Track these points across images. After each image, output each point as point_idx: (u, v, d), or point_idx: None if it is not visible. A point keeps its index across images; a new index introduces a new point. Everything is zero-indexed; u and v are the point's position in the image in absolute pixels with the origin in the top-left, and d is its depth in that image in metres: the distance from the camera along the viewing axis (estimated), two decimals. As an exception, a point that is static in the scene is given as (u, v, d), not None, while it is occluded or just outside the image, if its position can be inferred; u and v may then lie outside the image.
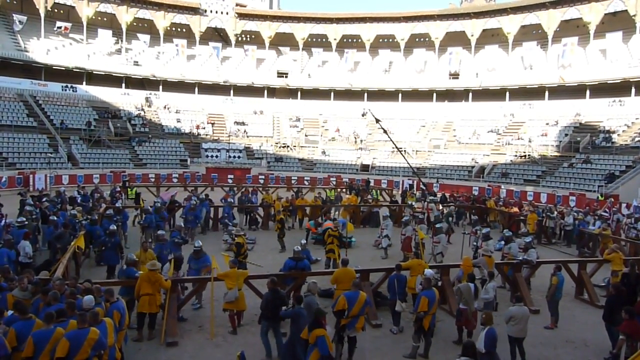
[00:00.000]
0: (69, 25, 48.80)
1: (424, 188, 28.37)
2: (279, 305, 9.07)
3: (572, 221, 20.95)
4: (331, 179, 40.18)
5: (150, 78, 50.55)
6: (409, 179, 38.90)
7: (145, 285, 9.73)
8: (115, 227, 14.95)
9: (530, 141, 41.35)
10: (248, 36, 57.34)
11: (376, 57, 55.79)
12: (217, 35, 56.94)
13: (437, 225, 16.41)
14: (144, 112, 48.14)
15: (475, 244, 16.27)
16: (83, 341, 6.61)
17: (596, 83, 41.77)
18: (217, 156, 44.89)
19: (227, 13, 54.33)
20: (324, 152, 47.30)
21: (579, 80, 42.94)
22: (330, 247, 15.03)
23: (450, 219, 21.90)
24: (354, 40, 56.10)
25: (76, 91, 46.56)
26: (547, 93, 45.10)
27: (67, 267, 11.56)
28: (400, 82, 52.10)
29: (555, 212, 22.27)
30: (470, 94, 49.51)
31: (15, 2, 48.33)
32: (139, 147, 43.33)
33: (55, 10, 49.14)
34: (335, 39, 54.73)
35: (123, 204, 21.87)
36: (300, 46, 55.40)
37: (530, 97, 46.41)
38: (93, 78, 47.95)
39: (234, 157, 45.41)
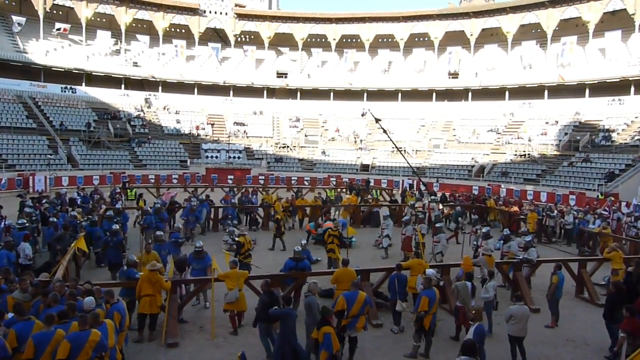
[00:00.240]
0: (67, 26, 48.76)
1: (424, 187, 28.35)
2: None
3: (572, 220, 20.97)
4: (331, 179, 40.18)
5: (150, 79, 50.56)
6: (409, 179, 38.90)
7: (146, 286, 9.74)
8: (118, 227, 15.02)
9: (530, 140, 41.35)
10: (247, 36, 57.34)
11: (375, 57, 55.79)
12: (216, 35, 56.94)
13: (437, 225, 16.42)
14: (144, 113, 48.15)
15: (475, 243, 16.26)
16: (84, 343, 6.60)
17: (595, 82, 41.77)
18: (217, 157, 44.89)
19: (226, 13, 54.34)
20: (323, 152, 47.30)
21: (579, 79, 42.94)
22: (331, 246, 15.03)
23: (459, 218, 21.93)
24: (353, 40, 56.09)
25: (75, 92, 46.57)
26: (546, 92, 45.10)
27: (67, 268, 11.56)
28: (399, 81, 52.11)
29: (556, 211, 22.28)
30: (470, 94, 49.52)
31: (14, 4, 48.35)
32: (138, 148, 43.34)
33: (54, 12, 49.16)
34: (334, 39, 54.73)
35: (123, 205, 21.86)
36: (300, 46, 55.40)
37: (530, 97, 46.41)
38: (92, 79, 47.94)
39: (234, 157, 45.40)
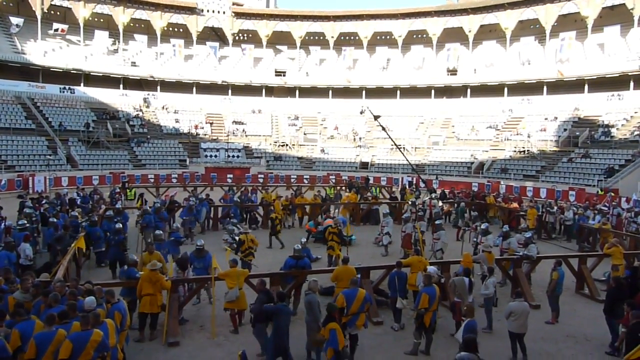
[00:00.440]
0: (65, 26, 48.69)
1: (424, 185, 28.38)
2: None
3: (572, 216, 20.96)
4: (330, 177, 40.17)
5: (148, 78, 50.51)
6: (408, 176, 38.89)
7: (147, 285, 9.74)
8: (120, 226, 15.08)
9: (529, 136, 41.34)
10: (245, 35, 57.25)
11: (374, 54, 55.77)
12: (214, 34, 56.88)
13: (437, 222, 16.43)
14: (142, 113, 48.12)
15: (475, 239, 16.26)
16: (86, 343, 6.62)
17: (595, 77, 41.77)
18: (216, 156, 44.89)
19: (223, 12, 54.26)
20: (323, 150, 47.30)
21: (578, 75, 42.93)
22: (331, 244, 15.06)
23: (465, 214, 21.93)
24: (352, 37, 56.07)
25: (74, 93, 46.52)
26: (545, 88, 45.07)
27: (68, 269, 11.56)
28: (398, 79, 52.08)
29: (555, 207, 22.28)
30: (469, 90, 49.50)
31: (11, 5, 48.24)
32: (137, 147, 43.32)
33: (52, 12, 49.10)
34: (332, 37, 54.69)
35: (123, 205, 21.86)
36: (298, 44, 55.34)
37: (529, 93, 46.37)
38: (91, 79, 47.87)
39: (233, 156, 45.40)
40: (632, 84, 39.63)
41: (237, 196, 24.69)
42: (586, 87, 42.48)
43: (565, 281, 11.79)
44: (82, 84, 47.19)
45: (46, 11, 47.25)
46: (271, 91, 55.16)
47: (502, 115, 46.40)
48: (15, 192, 28.07)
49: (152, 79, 50.48)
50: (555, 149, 39.50)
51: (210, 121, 50.02)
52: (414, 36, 54.17)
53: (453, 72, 51.16)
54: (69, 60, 46.29)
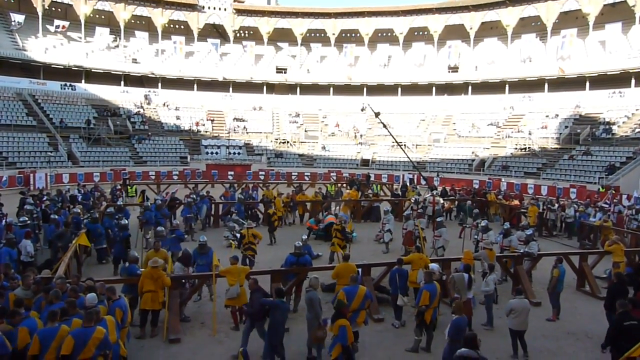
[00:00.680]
0: (66, 23, 48.65)
1: (425, 182, 28.35)
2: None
3: (573, 213, 20.97)
4: (331, 174, 40.16)
5: (149, 75, 50.49)
6: (409, 173, 38.87)
7: (148, 282, 9.75)
8: (126, 222, 15.11)
9: (530, 134, 41.31)
10: (246, 32, 57.16)
11: (375, 51, 55.67)
12: (215, 31, 56.80)
13: (438, 219, 16.43)
14: (143, 110, 48.11)
15: (476, 237, 16.26)
16: (88, 340, 6.62)
17: (596, 74, 41.68)
18: (217, 153, 44.93)
19: (224, 9, 54.19)
20: (324, 148, 47.28)
21: (579, 72, 42.84)
22: (335, 240, 15.13)
23: (473, 212, 21.97)
24: (353, 34, 55.99)
25: (75, 89, 46.51)
26: (546, 85, 45.02)
27: (69, 265, 11.58)
28: (399, 76, 52.01)
29: (556, 205, 22.27)
30: (470, 87, 49.42)
31: (12, 1, 48.24)
32: (138, 144, 43.34)
33: (53, 9, 49.06)
34: (333, 34, 54.61)
35: (124, 202, 21.87)
36: (299, 41, 55.27)
37: (530, 90, 46.32)
38: (92, 76, 47.88)
39: (234, 153, 45.42)
40: (633, 81, 39.54)
41: (238, 193, 24.71)
42: (587, 84, 42.39)
43: (566, 278, 11.80)
44: (83, 81, 47.18)
45: (47, 8, 47.22)
46: (272, 88, 55.13)
47: (503, 113, 46.34)
48: (17, 189, 28.04)
49: (153, 75, 50.46)
50: (556, 146, 39.45)
51: (211, 118, 50.00)
52: (415, 33, 54.05)
53: (454, 69, 51.07)
54: (70, 57, 46.28)
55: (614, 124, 37.87)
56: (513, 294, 10.90)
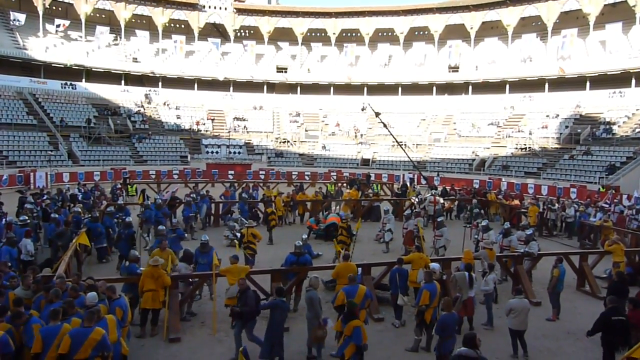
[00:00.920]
0: (67, 22, 48.62)
1: (425, 181, 28.35)
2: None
3: (573, 213, 20.96)
4: (332, 173, 40.15)
5: (150, 74, 50.48)
6: (409, 173, 38.87)
7: (149, 281, 9.76)
8: (131, 219, 15.13)
9: (530, 133, 41.30)
10: (247, 31, 57.15)
11: (375, 51, 55.63)
12: (215, 30, 56.77)
13: (438, 219, 16.43)
14: (144, 109, 48.12)
15: (476, 237, 16.27)
16: (84, 340, 6.57)
17: (596, 74, 41.64)
18: (217, 152, 44.93)
19: (225, 8, 54.17)
20: (324, 147, 47.26)
21: (579, 72, 42.80)
22: (341, 238, 15.23)
23: (481, 211, 22.02)
24: (353, 34, 55.98)
25: (75, 88, 46.51)
26: (547, 85, 45.00)
27: (69, 264, 11.58)
28: (399, 75, 51.99)
29: (557, 205, 22.27)
30: (470, 87, 49.40)
31: (13, 0, 48.21)
32: (139, 143, 43.35)
33: (54, 8, 49.04)
34: (334, 33, 54.60)
35: (124, 201, 21.89)
36: (300, 41, 55.25)
37: (530, 90, 46.29)
38: (92, 75, 47.89)
39: (234, 152, 45.44)
40: (633, 81, 39.52)
41: (238, 192, 24.72)
42: (588, 84, 42.37)
43: (566, 278, 11.80)
44: (83, 80, 47.18)
45: (48, 7, 47.21)
46: (273, 87, 55.13)
47: (504, 112, 46.33)
48: (17, 188, 28.06)
49: (153, 75, 50.46)
50: (556, 146, 39.44)
51: (212, 117, 50.00)
52: (416, 33, 54.01)
53: (455, 69, 51.06)
54: (71, 56, 46.28)
55: (614, 124, 37.86)
56: (513, 294, 10.91)
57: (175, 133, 46.55)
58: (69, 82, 46.28)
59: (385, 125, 28.88)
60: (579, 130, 38.90)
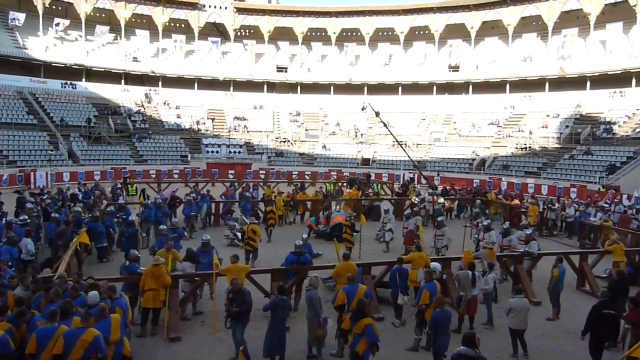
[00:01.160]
0: (67, 21, 48.56)
1: (425, 181, 28.36)
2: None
3: (574, 213, 20.96)
4: (332, 173, 40.14)
5: (150, 74, 50.46)
6: (409, 173, 38.87)
7: (150, 280, 9.77)
8: (134, 218, 15.16)
9: (530, 133, 41.29)
10: (247, 31, 57.15)
11: (376, 50, 55.61)
12: (216, 30, 56.78)
13: (439, 219, 16.44)
14: (144, 108, 48.10)
15: (476, 236, 16.28)
16: (75, 341, 6.51)
17: (597, 74, 41.61)
18: (217, 152, 44.92)
19: (225, 8, 54.16)
20: (324, 147, 47.25)
21: (580, 72, 42.78)
22: (346, 236, 15.52)
23: (486, 211, 22.05)
24: (354, 33, 55.97)
25: (76, 88, 46.51)
26: (547, 85, 44.98)
27: (70, 264, 11.59)
28: (400, 75, 51.97)
29: (557, 204, 22.26)
30: (471, 87, 49.38)
31: (13, 0, 48.24)
32: (139, 143, 43.35)
33: (53, 7, 49.02)
34: (334, 33, 54.60)
35: (124, 201, 21.90)
36: (300, 40, 55.25)
37: (531, 89, 46.28)
38: (92, 74, 47.87)
39: (235, 152, 45.43)
40: (634, 80, 39.51)
41: (238, 192, 24.73)
42: (588, 83, 42.34)
43: (566, 278, 11.81)
44: (83, 79, 47.16)
45: (47, 6, 47.20)
46: (273, 87, 55.11)
47: (504, 112, 46.32)
48: (17, 188, 28.05)
49: (153, 74, 50.45)
50: (556, 145, 39.44)
51: (212, 117, 50.00)
52: (416, 32, 54.02)
53: (455, 68, 51.05)
54: (71, 56, 46.28)
55: (614, 123, 37.86)
56: (513, 293, 10.92)
57: (175, 132, 46.55)
58: (69, 82, 46.26)
59: (385, 125, 28.85)
60: (579, 130, 38.90)
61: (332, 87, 53.58)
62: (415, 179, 34.81)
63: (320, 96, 53.69)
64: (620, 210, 21.28)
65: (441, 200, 22.52)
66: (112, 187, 25.45)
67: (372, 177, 36.02)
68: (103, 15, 52.23)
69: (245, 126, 49.33)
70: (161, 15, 52.02)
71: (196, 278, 11.19)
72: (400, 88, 51.68)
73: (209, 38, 55.10)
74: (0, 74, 42.30)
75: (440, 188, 26.40)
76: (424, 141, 46.02)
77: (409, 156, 28.49)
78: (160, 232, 13.68)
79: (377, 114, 25.22)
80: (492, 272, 11.16)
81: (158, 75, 50.57)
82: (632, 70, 39.42)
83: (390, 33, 54.77)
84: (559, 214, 21.71)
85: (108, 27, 51.28)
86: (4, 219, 15.14)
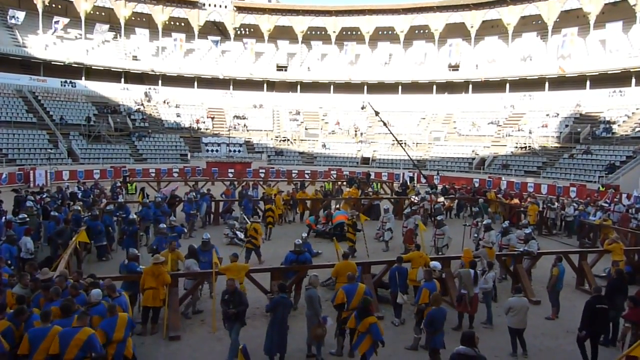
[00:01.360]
0: (66, 20, 48.51)
1: (425, 180, 28.38)
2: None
3: (573, 212, 20.95)
4: (332, 172, 40.16)
5: (149, 72, 50.45)
6: (409, 172, 38.88)
7: (149, 279, 9.77)
8: (135, 216, 15.19)
9: (530, 132, 41.29)
10: (247, 29, 57.14)
11: (375, 49, 55.59)
12: (215, 29, 56.74)
13: (439, 218, 16.44)
14: (144, 107, 48.08)
15: (476, 235, 16.28)
16: (70, 341, 6.48)
17: (596, 73, 41.63)
18: (217, 150, 44.91)
19: (225, 6, 54.11)
20: (324, 146, 47.25)
21: (579, 71, 42.80)
22: (349, 235, 15.67)
23: (491, 211, 22.03)
24: (353, 32, 55.94)
25: (75, 86, 46.50)
26: (547, 84, 44.99)
27: (69, 262, 11.58)
28: (400, 74, 51.97)
29: (556, 203, 22.26)
30: (470, 86, 49.39)
31: (13, -2, 48.26)
32: (139, 142, 43.33)
33: (53, 6, 49.02)
34: (334, 32, 54.57)
35: (124, 199, 21.89)
36: (300, 39, 55.22)
37: (531, 89, 46.29)
38: (92, 73, 47.82)
39: (234, 151, 45.41)
40: (633, 80, 39.53)
41: (238, 191, 24.74)
42: (588, 83, 42.36)
43: (566, 277, 11.83)
44: (83, 78, 47.15)
45: (47, 4, 47.17)
46: (272, 86, 55.10)
47: (504, 111, 46.32)
48: (17, 186, 28.05)
49: (153, 73, 50.43)
50: (556, 145, 39.45)
51: (212, 116, 49.98)
52: (416, 31, 54.00)
53: (455, 67, 51.05)
54: (70, 54, 46.24)
55: (614, 123, 37.86)
56: (512, 292, 10.93)
57: (175, 131, 46.53)
58: (68, 80, 46.26)
59: (385, 124, 28.91)
60: (578, 129, 38.90)
61: (332, 86, 53.56)
62: (415, 178, 34.82)
63: (320, 95, 53.68)
64: (620, 210, 21.25)
65: (441, 199, 22.56)
66: (112, 185, 25.43)
67: (372, 176, 36.05)
68: (103, 13, 52.18)
69: (245, 125, 49.32)
70: (161, 14, 51.98)
71: (195, 277, 11.19)
72: (400, 87, 51.68)
73: (208, 37, 55.02)
74: (0, 72, 42.24)
75: (440, 187, 26.44)
76: (424, 140, 46.03)
77: (408, 155, 28.53)
78: (160, 230, 13.69)
79: (377, 113, 25.28)
80: (492, 271, 11.16)
81: (158, 73, 50.54)
82: (631, 70, 39.42)
83: (390, 32, 54.73)
84: (558, 213, 21.71)
85: (108, 26, 51.27)
86: (4, 218, 15.12)
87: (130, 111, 46.66)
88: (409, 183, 30.78)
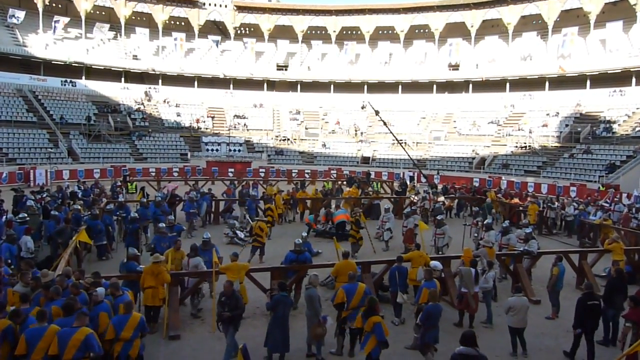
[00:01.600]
0: (66, 19, 48.52)
1: (425, 180, 28.36)
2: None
3: (573, 211, 20.94)
4: (332, 171, 40.16)
5: (150, 72, 50.44)
6: (409, 171, 38.89)
7: (149, 278, 9.77)
8: (136, 215, 15.19)
9: (530, 132, 41.29)
10: (247, 29, 57.14)
11: (376, 49, 55.58)
12: (216, 28, 56.73)
13: (439, 217, 16.43)
14: (144, 106, 48.07)
15: (476, 235, 16.27)
16: (68, 341, 6.46)
17: (596, 73, 41.64)
18: (217, 150, 44.91)
19: (225, 6, 54.10)
20: (324, 145, 47.25)
21: (579, 71, 42.80)
22: (351, 232, 15.73)
23: (493, 211, 22.00)
24: (354, 32, 55.92)
25: (75, 86, 46.50)
26: (547, 84, 44.99)
27: (69, 262, 11.57)
28: (400, 73, 51.96)
29: (557, 203, 22.26)
30: (471, 85, 49.39)
31: (13, -3, 48.25)
32: (139, 141, 43.33)
33: (54, 5, 49.05)
34: (334, 31, 54.55)
35: (124, 199, 21.88)
36: (300, 39, 55.21)
37: (531, 88, 46.31)
38: (92, 72, 47.83)
39: (235, 150, 45.41)
40: (634, 80, 39.55)
41: (238, 190, 24.74)
42: (588, 82, 42.37)
43: (566, 277, 11.82)
44: (83, 77, 47.16)
45: (47, 4, 47.18)
46: (273, 85, 55.09)
47: (504, 111, 46.32)
48: (17, 185, 28.05)
49: (153, 72, 50.43)
50: (556, 144, 39.45)
51: (212, 115, 49.98)
52: (416, 31, 53.99)
53: (455, 67, 51.04)
54: (71, 53, 46.22)
55: (614, 122, 37.86)
56: (512, 292, 10.93)
57: (175, 131, 46.53)
58: (68, 80, 46.28)
59: (385, 124, 28.86)
60: (579, 129, 38.90)
61: (332, 86, 53.55)
62: (415, 178, 34.80)
63: (320, 95, 53.68)
64: (620, 209, 21.24)
65: (441, 198, 22.55)
66: (112, 185, 25.43)
67: (372, 176, 36.05)
68: (103, 13, 52.18)
69: (245, 124, 49.32)
70: (161, 13, 51.97)
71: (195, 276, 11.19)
72: (400, 87, 51.67)
73: (209, 36, 55.05)
74: (0, 71, 42.26)
75: (440, 187, 26.43)
76: (424, 140, 46.04)
77: (408, 155, 28.51)
78: (159, 230, 13.68)
79: (377, 112, 25.26)
80: (492, 271, 11.16)
81: (158, 73, 50.54)
82: (632, 69, 39.43)
83: (390, 31, 54.72)
84: (558, 213, 21.69)
85: (108, 25, 51.30)
86: (4, 217, 15.12)
87: (131, 110, 46.66)
88: (408, 183, 30.76)
